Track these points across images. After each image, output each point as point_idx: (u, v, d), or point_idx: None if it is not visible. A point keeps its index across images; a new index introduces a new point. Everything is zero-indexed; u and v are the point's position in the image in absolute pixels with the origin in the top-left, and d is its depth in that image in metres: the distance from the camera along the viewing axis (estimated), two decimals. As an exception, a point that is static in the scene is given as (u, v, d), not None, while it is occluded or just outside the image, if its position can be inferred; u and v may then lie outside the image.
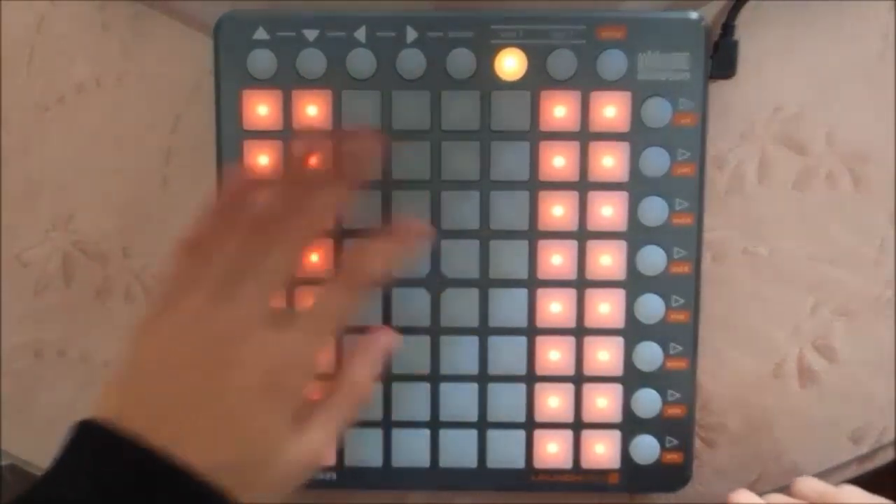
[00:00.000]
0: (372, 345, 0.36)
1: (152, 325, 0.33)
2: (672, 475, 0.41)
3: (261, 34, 0.39)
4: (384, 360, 0.37)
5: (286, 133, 0.40)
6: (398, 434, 0.41)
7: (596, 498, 0.42)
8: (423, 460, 0.41)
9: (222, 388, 0.31)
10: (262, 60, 0.39)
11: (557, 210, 0.40)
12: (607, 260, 0.40)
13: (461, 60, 0.39)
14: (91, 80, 0.42)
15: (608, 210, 0.40)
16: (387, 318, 0.40)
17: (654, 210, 0.40)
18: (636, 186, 0.40)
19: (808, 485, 0.39)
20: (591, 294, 0.40)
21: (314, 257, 0.40)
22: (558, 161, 0.40)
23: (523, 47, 0.39)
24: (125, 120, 0.42)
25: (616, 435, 0.41)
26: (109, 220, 0.43)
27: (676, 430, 0.41)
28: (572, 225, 0.40)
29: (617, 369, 0.41)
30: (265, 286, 0.33)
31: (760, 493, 0.39)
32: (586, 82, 0.39)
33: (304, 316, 0.33)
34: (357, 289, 0.34)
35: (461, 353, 0.41)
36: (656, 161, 0.40)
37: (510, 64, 0.39)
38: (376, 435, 0.41)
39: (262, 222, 0.34)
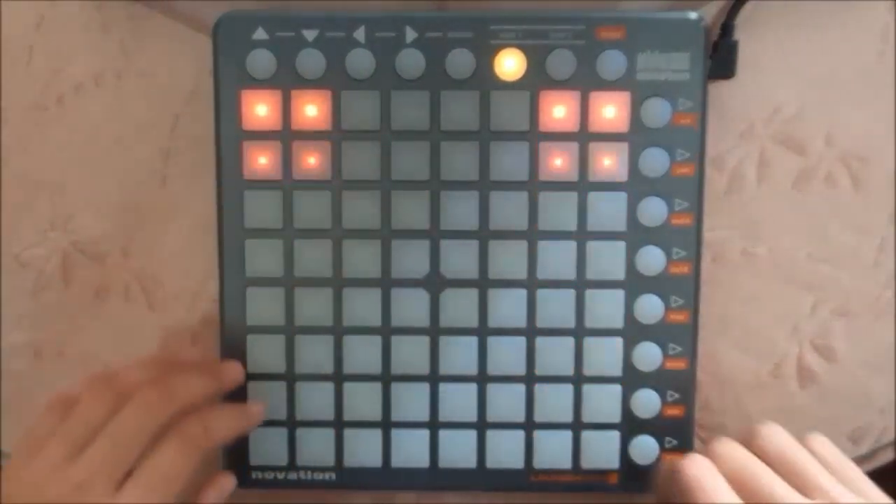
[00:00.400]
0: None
1: (12, 475, 0.34)
2: (671, 475, 0.41)
3: (260, 34, 0.39)
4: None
5: (285, 133, 0.40)
6: (397, 434, 0.41)
7: (595, 498, 0.42)
8: (423, 460, 0.41)
9: None
10: (262, 60, 0.39)
11: (557, 210, 0.40)
12: (606, 260, 0.40)
13: (460, 60, 0.39)
14: (90, 80, 0.42)
15: (608, 210, 0.40)
16: (386, 319, 0.40)
17: (654, 210, 0.40)
18: (635, 187, 0.40)
19: (771, 437, 0.36)
20: (591, 294, 0.40)
21: (313, 258, 0.40)
22: (557, 161, 0.40)
23: (522, 47, 0.39)
24: (124, 120, 0.42)
25: (615, 435, 0.41)
26: (108, 220, 0.43)
27: (676, 431, 0.41)
28: (572, 225, 0.40)
29: (616, 370, 0.41)
30: (113, 447, 0.34)
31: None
32: (586, 82, 0.39)
33: (142, 478, 0.34)
34: (194, 452, 0.35)
35: (460, 354, 0.41)
36: (656, 161, 0.40)
37: (509, 64, 0.39)
38: (375, 435, 0.41)
39: (122, 386, 0.36)
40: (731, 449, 0.36)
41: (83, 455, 0.34)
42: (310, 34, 0.39)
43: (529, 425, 0.41)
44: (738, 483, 0.34)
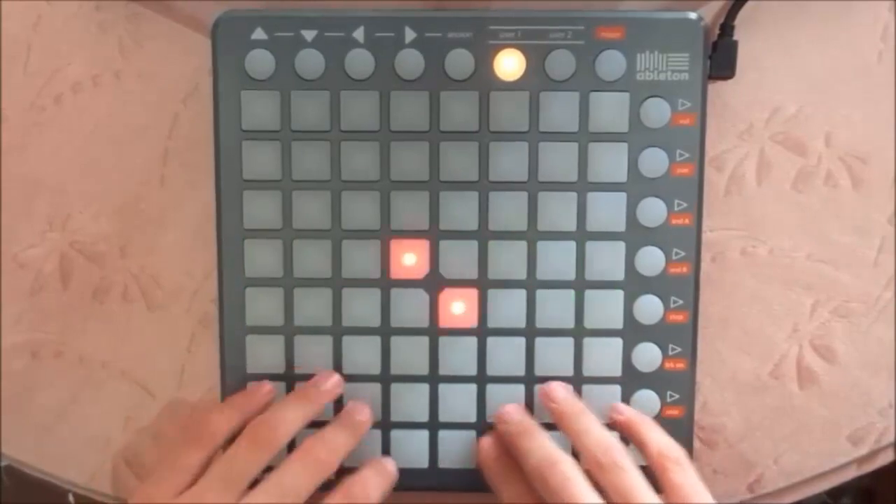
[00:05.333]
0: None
1: (153, 496, 0.35)
2: (671, 476, 0.41)
3: (259, 34, 0.39)
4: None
5: (285, 133, 0.40)
6: (397, 435, 0.41)
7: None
8: (422, 461, 0.41)
9: None
10: (261, 61, 0.39)
11: (556, 211, 0.40)
12: (606, 261, 0.40)
13: (460, 61, 0.39)
14: (88, 80, 0.42)
15: (607, 211, 0.40)
16: (385, 319, 0.40)
17: (653, 210, 0.40)
18: (635, 187, 0.40)
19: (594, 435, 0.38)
20: (590, 295, 0.40)
21: (313, 258, 0.40)
22: (557, 162, 0.40)
23: (522, 48, 0.39)
24: (122, 120, 0.42)
25: (615, 436, 0.41)
26: (107, 220, 0.43)
27: (675, 431, 0.41)
28: (571, 226, 0.40)
29: (616, 370, 0.41)
30: (279, 497, 0.35)
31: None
32: (585, 83, 0.39)
33: None
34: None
35: (459, 354, 0.41)
36: (655, 161, 0.40)
37: (509, 64, 0.39)
38: (375, 436, 0.41)
39: (278, 432, 0.37)
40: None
41: (249, 497, 0.35)
42: (309, 34, 0.39)
43: (529, 426, 0.41)
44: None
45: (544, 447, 0.37)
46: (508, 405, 0.40)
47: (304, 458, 0.37)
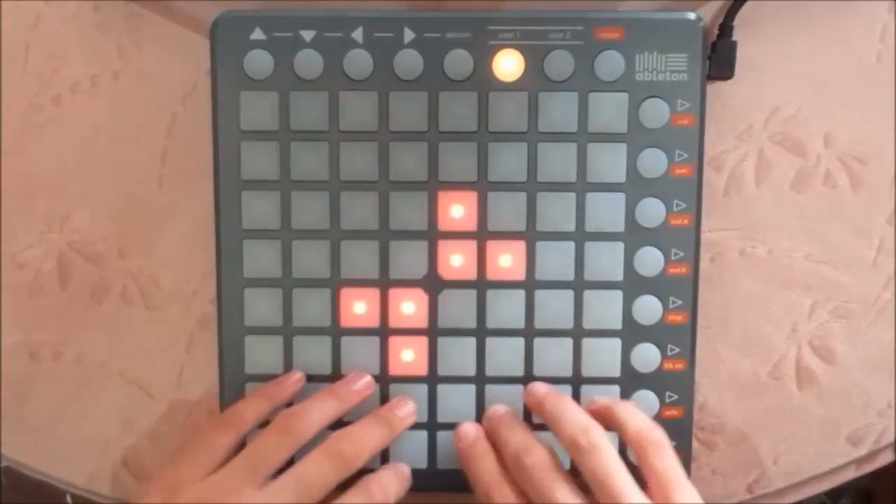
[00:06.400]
0: None
1: (178, 481, 0.36)
2: (670, 477, 0.41)
3: (258, 35, 0.39)
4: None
5: (283, 134, 0.40)
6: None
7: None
8: (421, 461, 0.41)
9: None
10: (259, 61, 0.39)
11: (555, 211, 0.40)
12: (605, 261, 0.40)
13: (458, 61, 0.39)
14: (86, 81, 0.42)
15: (606, 211, 0.40)
16: (384, 320, 0.40)
17: (652, 211, 0.40)
18: (634, 187, 0.40)
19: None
20: (589, 295, 0.40)
21: (311, 259, 0.40)
22: (556, 162, 0.40)
23: (521, 48, 0.39)
24: (121, 120, 0.42)
25: (614, 437, 0.41)
26: (105, 221, 0.43)
27: (674, 432, 0.41)
28: (570, 226, 0.40)
29: (615, 371, 0.41)
30: (302, 487, 0.36)
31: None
32: (584, 83, 0.39)
33: None
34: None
35: (459, 355, 0.41)
36: (654, 162, 0.40)
37: (508, 65, 0.39)
38: (374, 436, 0.41)
39: (306, 424, 0.37)
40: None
41: (271, 486, 0.35)
42: (308, 34, 0.39)
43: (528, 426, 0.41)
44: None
45: (522, 434, 0.38)
46: (494, 405, 0.40)
47: (327, 451, 0.37)
